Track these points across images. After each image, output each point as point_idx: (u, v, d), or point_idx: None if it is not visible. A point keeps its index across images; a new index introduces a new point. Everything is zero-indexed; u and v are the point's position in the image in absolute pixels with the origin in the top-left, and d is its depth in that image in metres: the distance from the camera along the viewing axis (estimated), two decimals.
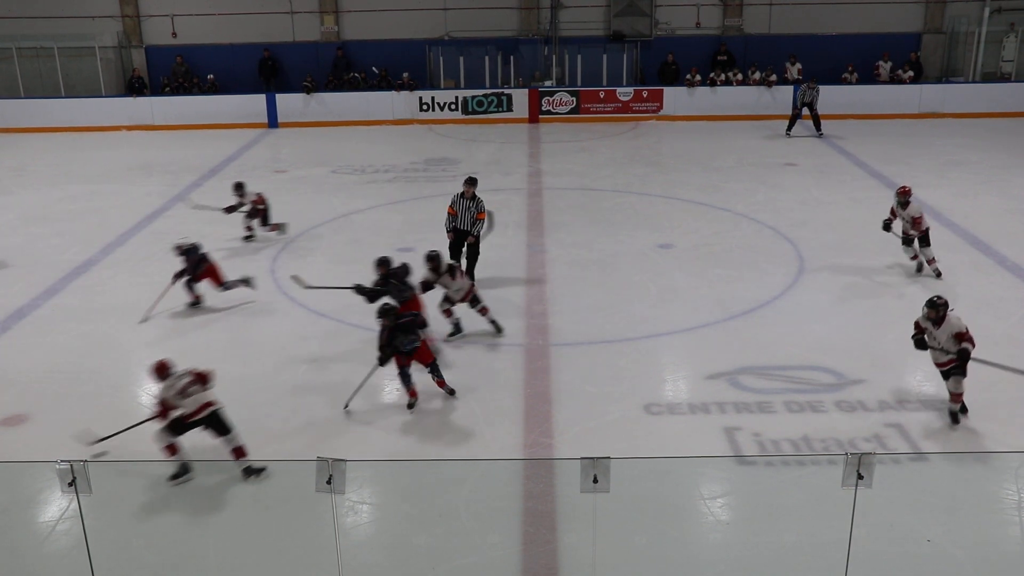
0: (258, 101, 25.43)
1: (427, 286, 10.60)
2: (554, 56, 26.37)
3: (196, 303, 11.94)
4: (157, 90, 26.37)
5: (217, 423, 7.93)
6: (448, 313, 10.83)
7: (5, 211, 17.16)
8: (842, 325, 11.13)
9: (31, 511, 7.83)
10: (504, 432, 8.75)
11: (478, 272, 12.42)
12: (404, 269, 10.51)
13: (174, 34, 26.82)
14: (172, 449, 7.92)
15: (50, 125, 25.04)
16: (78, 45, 26.19)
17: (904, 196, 12.40)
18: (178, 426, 7.87)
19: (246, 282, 12.09)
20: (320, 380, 9.90)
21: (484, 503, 7.67)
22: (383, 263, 10.42)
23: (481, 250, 12.59)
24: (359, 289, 10.52)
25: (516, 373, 9.99)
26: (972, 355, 8.43)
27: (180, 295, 11.88)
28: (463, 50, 26.16)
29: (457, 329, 10.91)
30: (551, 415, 9.04)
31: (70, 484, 4.60)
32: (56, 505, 7.64)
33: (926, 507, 7.50)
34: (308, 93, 25.34)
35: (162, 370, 8.02)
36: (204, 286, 11.95)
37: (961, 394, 8.63)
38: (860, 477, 6.10)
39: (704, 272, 13.04)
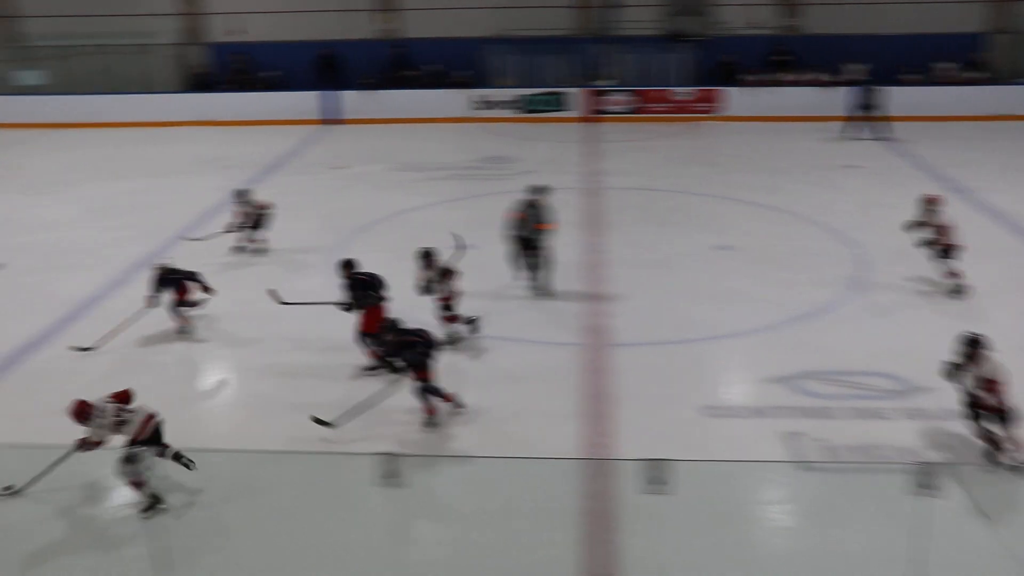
0: (317, 98, 25.69)
1: (427, 289, 10.43)
2: (611, 55, 26.28)
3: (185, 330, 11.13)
4: (219, 86, 26.75)
5: (158, 437, 7.51)
6: (452, 320, 10.59)
7: (72, 204, 17.54)
8: (906, 331, 10.95)
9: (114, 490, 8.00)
10: (562, 431, 8.75)
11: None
12: (372, 275, 10.13)
13: (237, 31, 27.17)
14: (138, 483, 7.42)
15: (117, 120, 25.54)
16: (144, 42, 26.66)
17: (933, 204, 12.12)
18: (134, 452, 7.37)
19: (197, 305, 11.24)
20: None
21: (542, 501, 7.67)
22: (347, 265, 10.19)
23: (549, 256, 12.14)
24: (340, 303, 10.06)
25: (574, 373, 9.99)
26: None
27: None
28: (520, 48, 26.18)
29: (460, 337, 10.61)
30: (609, 415, 9.03)
31: (177, 459, 4.69)
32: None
33: (995, 517, 7.35)
34: (367, 90, 25.55)
35: (83, 413, 7.35)
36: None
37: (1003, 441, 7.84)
38: (926, 486, 6.01)
39: (764, 275, 12.92)
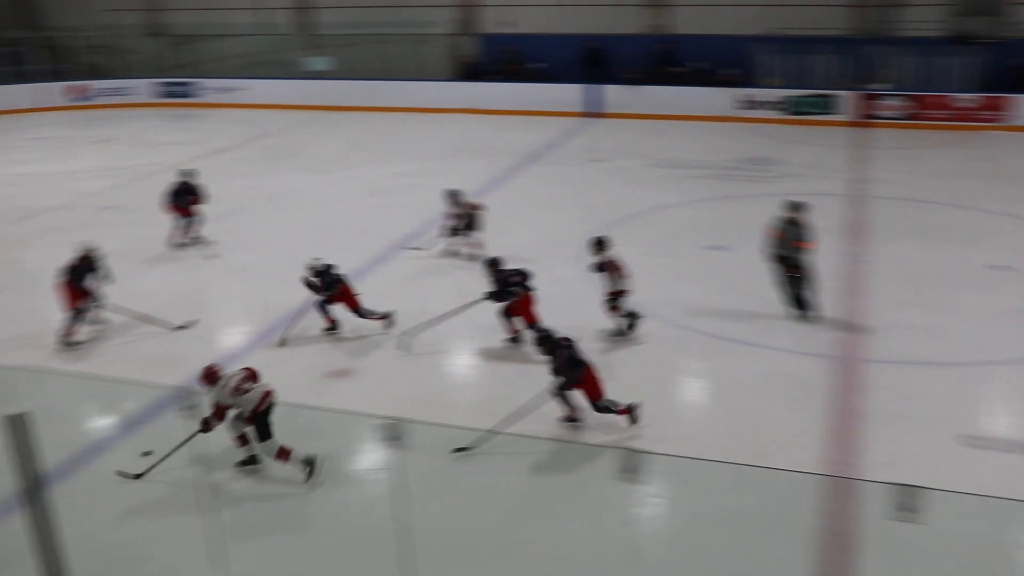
0: (581, 91, 26.03)
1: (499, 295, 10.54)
2: (887, 57, 24.88)
3: (332, 328, 11.10)
4: (487, 76, 27.68)
5: (264, 420, 7.80)
6: (615, 311, 10.70)
7: (349, 182, 18.77)
8: None
9: (349, 457, 8.54)
10: (806, 444, 8.43)
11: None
12: (518, 271, 10.58)
13: (504, 22, 28.01)
14: (243, 439, 7.98)
15: (391, 105, 27.06)
16: (419, 32, 28.05)
17: None
18: (260, 426, 7.82)
19: (387, 317, 11.17)
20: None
21: (778, 514, 7.44)
22: (493, 263, 10.69)
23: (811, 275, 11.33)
24: (490, 295, 10.57)
25: (823, 386, 9.59)
26: None
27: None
28: (789, 48, 25.32)
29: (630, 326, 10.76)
30: (858, 434, 8.61)
31: (394, 439, 4.96)
32: (372, 455, 8.31)
33: None
34: (630, 85, 25.60)
35: (211, 376, 7.91)
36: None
37: None
38: None
39: None
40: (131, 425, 9.16)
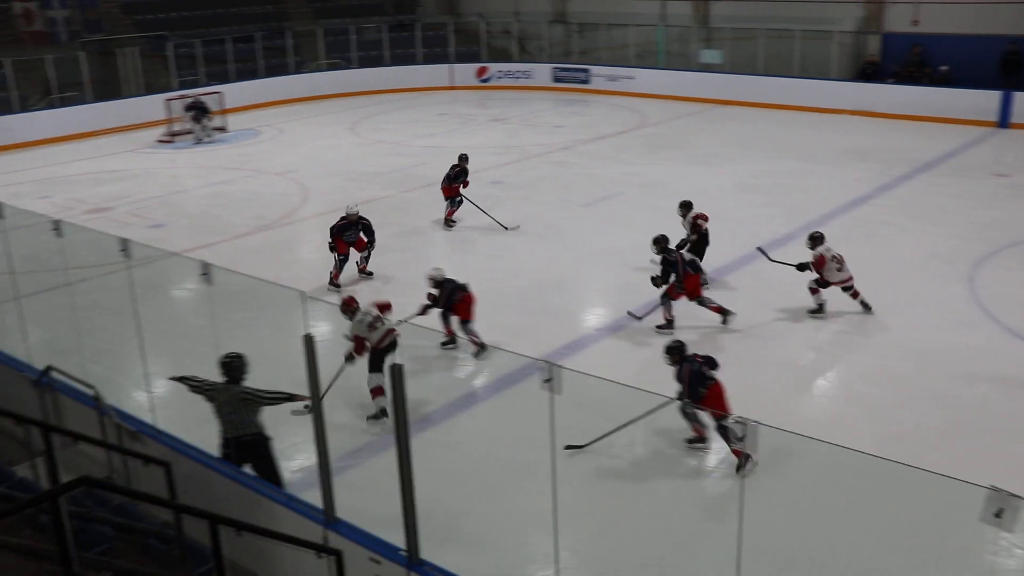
0: (992, 98, 23.76)
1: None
2: None
3: (451, 342, 10.73)
4: (887, 77, 26.13)
5: (383, 355, 8.90)
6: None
7: (726, 177, 18.62)
8: None
9: (695, 452, 8.54)
10: None
11: None
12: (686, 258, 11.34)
13: (916, 21, 26.21)
14: (379, 391, 8.93)
15: (781, 103, 26.40)
16: (818, 28, 27.04)
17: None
18: (376, 360, 8.91)
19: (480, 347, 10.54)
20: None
21: None
22: (659, 241, 11.38)
23: None
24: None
25: None
26: None
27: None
28: None
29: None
30: None
31: (740, 439, 4.90)
32: (717, 454, 8.26)
33: None
34: None
35: (349, 306, 9.03)
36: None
37: None
38: None
39: None
40: (490, 389, 9.81)
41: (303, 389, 6.22)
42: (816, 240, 11.53)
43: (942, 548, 7.02)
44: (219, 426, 7.33)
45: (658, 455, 8.59)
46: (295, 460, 8.13)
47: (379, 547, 6.00)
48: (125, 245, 8.01)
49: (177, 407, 9.40)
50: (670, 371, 8.40)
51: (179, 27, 30.22)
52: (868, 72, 25.96)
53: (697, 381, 8.22)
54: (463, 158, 15.79)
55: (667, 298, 11.17)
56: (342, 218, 13.13)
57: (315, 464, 6.31)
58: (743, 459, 7.91)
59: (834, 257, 11.39)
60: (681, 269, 11.11)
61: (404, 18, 34.90)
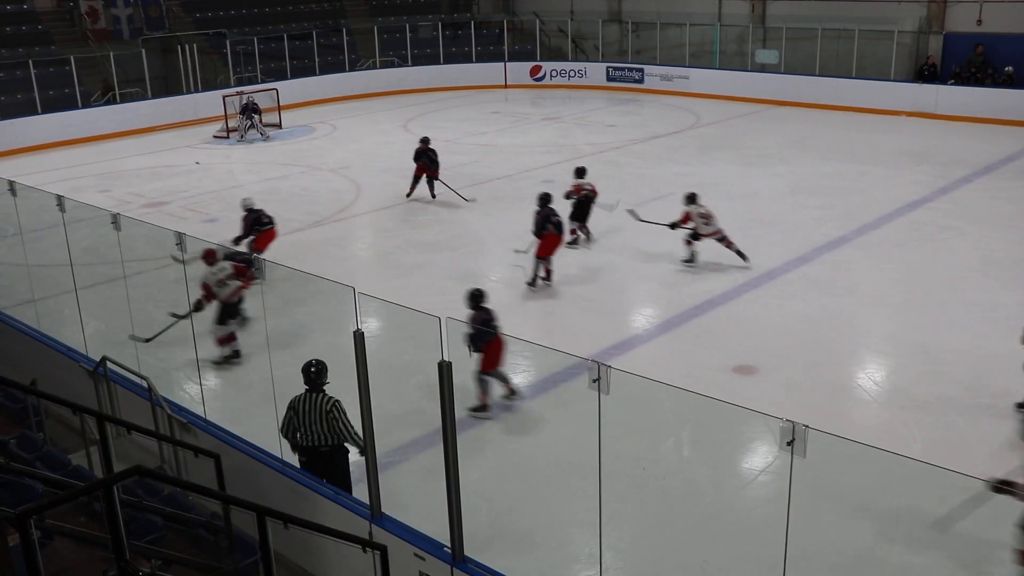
0: None
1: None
2: None
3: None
4: (946, 78, 25.64)
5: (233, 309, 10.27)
6: None
7: (779, 178, 18.42)
8: None
9: (743, 455, 8.47)
10: None
11: None
12: None
13: (979, 21, 25.69)
14: (225, 339, 10.32)
15: (839, 103, 26.03)
16: (878, 28, 26.61)
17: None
18: (224, 313, 10.24)
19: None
20: None
21: None
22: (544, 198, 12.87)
23: None
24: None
25: None
26: None
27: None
28: None
29: None
30: None
31: (789, 443, 4.83)
32: (765, 457, 8.16)
33: None
34: None
35: (209, 256, 10.08)
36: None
37: None
38: None
39: None
40: (540, 387, 9.81)
41: (353, 383, 6.26)
42: (689, 199, 13.31)
43: (993, 557, 6.88)
44: (298, 433, 7.24)
45: (704, 458, 8.54)
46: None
47: (424, 543, 6.04)
48: (180, 239, 8.15)
49: (227, 399, 9.56)
50: (718, 372, 8.35)
51: (237, 24, 30.66)
52: (926, 73, 25.48)
53: (479, 335, 9.02)
54: (423, 140, 17.30)
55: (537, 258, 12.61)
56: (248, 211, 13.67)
57: (362, 459, 6.36)
58: (508, 392, 9.33)
59: (701, 214, 13.10)
60: (545, 226, 12.56)
61: (459, 16, 35.03)
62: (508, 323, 11.00)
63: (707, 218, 13.08)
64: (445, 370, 5.47)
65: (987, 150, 20.54)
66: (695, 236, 13.20)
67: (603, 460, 5.53)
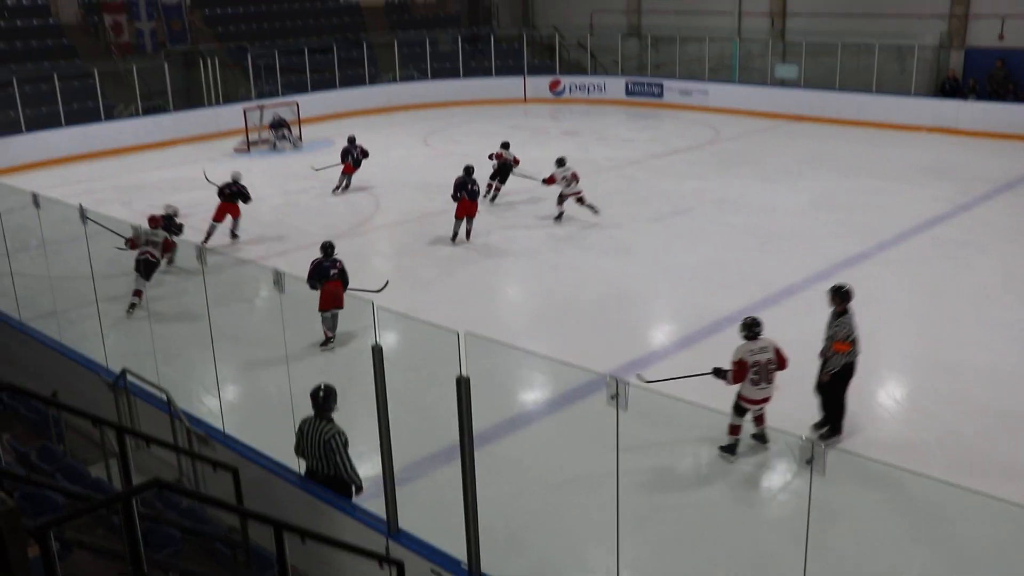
0: None
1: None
2: None
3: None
4: (967, 93, 25.51)
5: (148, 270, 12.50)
6: None
7: (799, 194, 18.36)
8: None
9: (762, 474, 8.42)
10: None
11: None
12: None
13: (1001, 36, 25.56)
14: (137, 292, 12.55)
15: (858, 119, 25.93)
16: (898, 43, 26.51)
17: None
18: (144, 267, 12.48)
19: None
20: None
21: None
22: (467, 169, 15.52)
23: None
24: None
25: None
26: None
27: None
28: None
29: None
30: None
31: (808, 461, 4.81)
32: (784, 475, 8.12)
33: None
34: None
35: (152, 222, 13.11)
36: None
37: None
38: None
39: None
40: (557, 403, 9.80)
41: (370, 398, 6.27)
42: (558, 162, 16.30)
43: None
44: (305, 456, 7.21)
45: (724, 474, 8.49)
46: (359, 470, 8.22)
47: (441, 559, 6.04)
48: (200, 252, 8.20)
49: (246, 413, 9.58)
50: (737, 389, 8.32)
51: (259, 38, 30.88)
52: (947, 88, 25.36)
53: (317, 273, 11.03)
54: (349, 139, 19.86)
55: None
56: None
57: (379, 474, 6.37)
58: (325, 338, 11.08)
59: (564, 177, 16.07)
60: (459, 192, 15.14)
61: (479, 30, 35.15)
62: (524, 338, 11.03)
63: (572, 180, 16.01)
64: (463, 385, 5.47)
65: (1008, 166, 20.41)
66: (561, 198, 16.13)
67: (621, 477, 5.51)
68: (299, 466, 7.28)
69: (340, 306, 11.20)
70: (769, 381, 8.36)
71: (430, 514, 7.07)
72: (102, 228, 10.85)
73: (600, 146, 23.92)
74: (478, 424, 5.65)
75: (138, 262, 12.57)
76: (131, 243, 12.53)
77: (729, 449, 8.43)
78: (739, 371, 8.27)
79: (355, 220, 17.33)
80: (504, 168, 18.19)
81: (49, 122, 24.23)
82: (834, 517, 7.52)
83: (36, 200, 9.99)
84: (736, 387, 8.35)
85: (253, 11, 32.70)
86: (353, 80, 30.67)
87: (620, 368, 10.19)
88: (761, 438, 8.64)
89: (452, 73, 32.03)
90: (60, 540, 5.37)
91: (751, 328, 8.51)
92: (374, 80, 31.30)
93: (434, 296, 13.15)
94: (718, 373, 8.44)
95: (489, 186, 18.01)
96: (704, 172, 20.68)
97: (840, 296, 8.85)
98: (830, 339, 8.77)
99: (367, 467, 7.44)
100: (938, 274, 13.56)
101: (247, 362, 10.96)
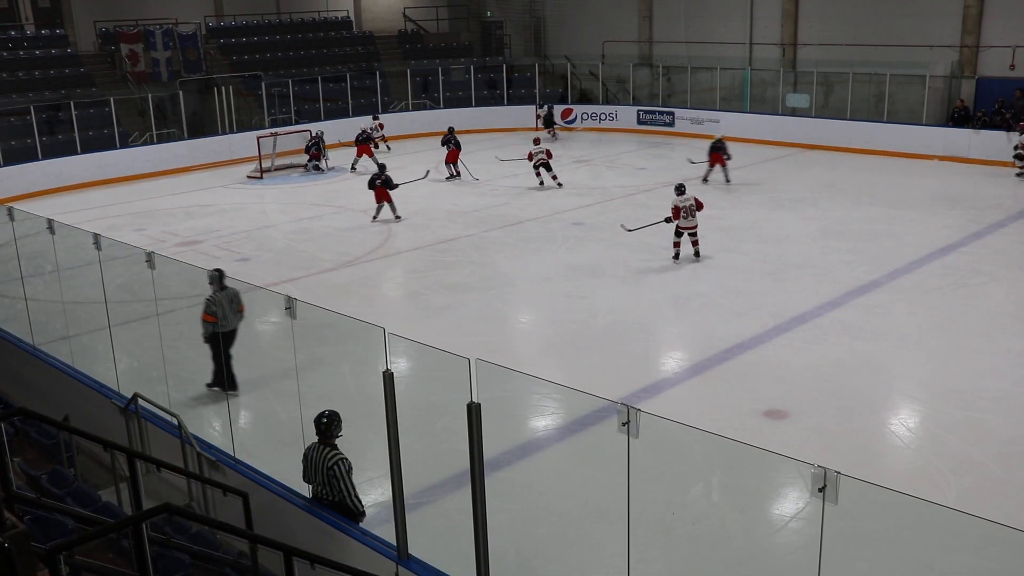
0: None
1: None
2: None
3: None
4: (981, 123, 25.48)
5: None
6: None
7: (811, 222, 18.34)
8: None
9: (773, 501, 8.37)
10: None
11: None
12: None
13: (1012, 66, 25.59)
14: None
15: (870, 147, 25.95)
16: (910, 73, 26.56)
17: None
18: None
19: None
20: None
21: None
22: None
23: None
24: None
25: None
26: None
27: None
28: None
29: None
30: None
31: (820, 490, 4.79)
32: (795, 503, 8.06)
33: None
34: None
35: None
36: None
37: None
38: None
39: None
40: (568, 430, 9.77)
41: (381, 424, 6.27)
42: (534, 147, 21.49)
43: None
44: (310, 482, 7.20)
45: (734, 503, 8.45)
46: (369, 495, 8.21)
47: None
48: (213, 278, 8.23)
49: (256, 438, 9.59)
50: (749, 417, 8.28)
51: (273, 67, 31.19)
52: (958, 117, 25.36)
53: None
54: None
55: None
56: None
57: (389, 500, 6.36)
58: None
59: (538, 156, 21.02)
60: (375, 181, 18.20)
61: (491, 60, 35.40)
62: (535, 365, 11.02)
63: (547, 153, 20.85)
64: (474, 412, 5.47)
65: (1020, 195, 20.37)
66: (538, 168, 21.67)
67: (632, 504, 5.48)
68: (309, 490, 7.27)
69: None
70: (693, 216, 15.46)
71: (440, 540, 7.06)
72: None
73: (612, 174, 23.98)
74: (488, 450, 5.64)
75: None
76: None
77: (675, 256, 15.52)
78: (676, 212, 15.42)
79: (367, 247, 17.40)
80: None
81: (66, 149, 24.48)
82: (847, 546, 7.45)
83: (51, 226, 10.07)
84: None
85: (267, 40, 33.05)
86: (366, 109, 30.89)
87: (631, 396, 10.17)
88: (696, 255, 15.50)
89: (465, 102, 32.25)
90: (70, 564, 5.37)
91: (679, 188, 15.90)
92: (387, 108, 31.51)
93: (445, 323, 13.16)
94: (668, 220, 15.50)
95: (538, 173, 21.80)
96: (716, 200, 20.64)
97: None
98: None
99: (377, 492, 7.43)
100: (950, 302, 13.50)
101: (258, 387, 10.98)
